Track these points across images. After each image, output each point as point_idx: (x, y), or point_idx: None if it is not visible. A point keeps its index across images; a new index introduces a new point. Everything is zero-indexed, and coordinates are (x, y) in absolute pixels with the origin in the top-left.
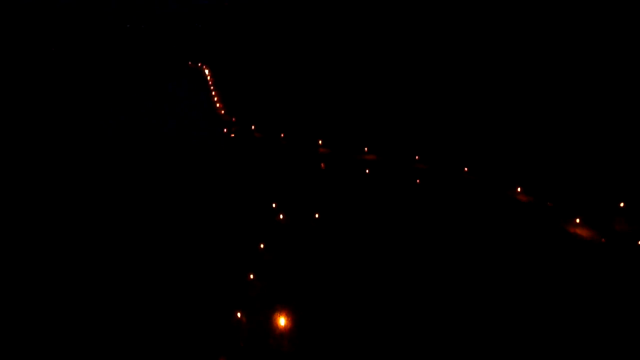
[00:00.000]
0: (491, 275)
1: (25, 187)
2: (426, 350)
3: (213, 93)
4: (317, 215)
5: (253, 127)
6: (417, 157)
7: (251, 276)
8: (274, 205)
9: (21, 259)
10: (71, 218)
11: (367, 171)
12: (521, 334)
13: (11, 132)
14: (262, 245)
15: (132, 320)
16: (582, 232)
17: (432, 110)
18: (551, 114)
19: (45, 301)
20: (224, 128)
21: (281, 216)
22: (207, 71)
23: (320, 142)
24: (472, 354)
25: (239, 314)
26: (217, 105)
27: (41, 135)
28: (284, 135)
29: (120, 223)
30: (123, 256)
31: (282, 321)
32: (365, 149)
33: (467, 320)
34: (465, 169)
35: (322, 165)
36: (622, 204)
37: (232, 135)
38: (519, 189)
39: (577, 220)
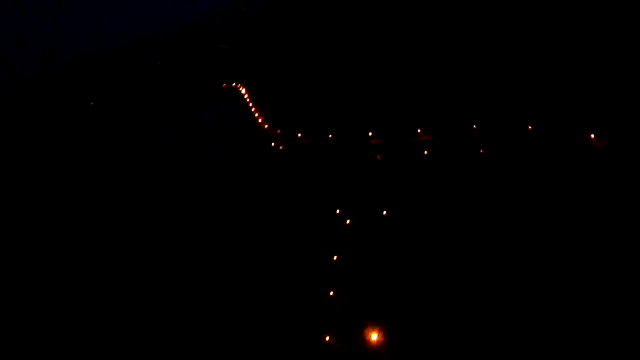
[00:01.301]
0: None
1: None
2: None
3: (253, 110)
4: (385, 213)
5: (299, 135)
6: (474, 127)
7: (331, 293)
8: (338, 211)
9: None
10: (141, 246)
11: (425, 153)
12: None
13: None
14: (335, 258)
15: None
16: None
17: (476, 76)
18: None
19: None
20: (272, 142)
21: (348, 221)
22: (243, 90)
23: (370, 134)
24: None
25: (327, 338)
26: (260, 120)
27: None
28: (331, 136)
29: (192, 250)
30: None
31: (374, 337)
32: (419, 130)
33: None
34: (530, 127)
35: (379, 157)
36: None
37: (282, 147)
38: (595, 137)
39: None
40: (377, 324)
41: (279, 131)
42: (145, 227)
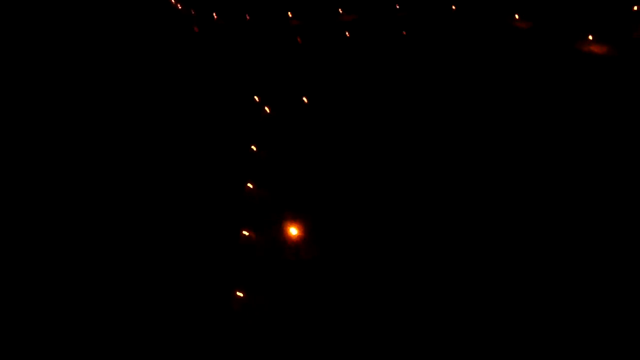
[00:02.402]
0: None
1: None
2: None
3: None
4: (305, 100)
5: (215, 15)
6: (397, 6)
7: (250, 185)
8: (256, 98)
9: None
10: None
11: (347, 34)
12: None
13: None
14: (254, 148)
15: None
16: (596, 48)
17: None
18: None
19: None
20: (185, 23)
21: (267, 109)
22: None
23: (290, 14)
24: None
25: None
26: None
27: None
28: (249, 17)
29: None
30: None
31: (293, 231)
32: (340, 10)
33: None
34: (453, 7)
35: (299, 39)
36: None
37: (196, 29)
38: (516, 16)
39: (590, 37)
40: (297, 217)
41: (193, 11)
42: None
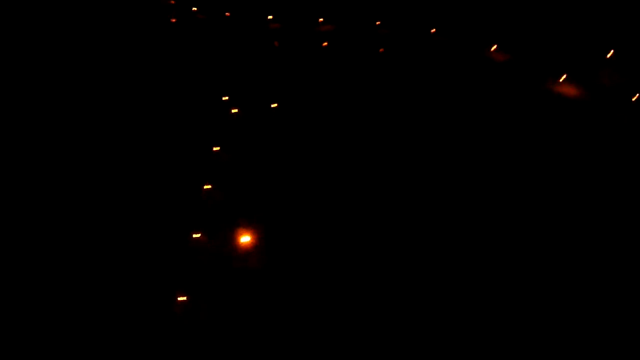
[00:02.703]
0: (477, 150)
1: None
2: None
3: None
4: (274, 105)
5: (195, 8)
6: (377, 23)
7: (206, 187)
8: (225, 98)
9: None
10: None
11: (324, 44)
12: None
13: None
14: (216, 148)
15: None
16: (568, 90)
17: None
18: None
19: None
20: (164, 13)
21: (234, 110)
22: None
23: (270, 17)
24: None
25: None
26: None
27: None
28: (229, 14)
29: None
30: None
31: (245, 239)
32: (320, 19)
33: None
34: (433, 30)
35: (276, 43)
36: (609, 54)
37: (173, 20)
38: (494, 47)
39: (563, 77)
40: (250, 224)
41: (172, 1)
42: None
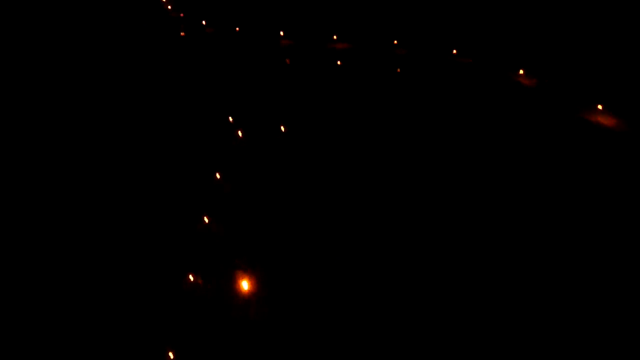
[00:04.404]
0: (495, 174)
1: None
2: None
3: None
4: (283, 129)
5: (204, 22)
6: (395, 42)
7: (206, 220)
8: (230, 119)
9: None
10: None
11: (338, 63)
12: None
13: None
14: (218, 175)
15: None
16: (604, 119)
17: None
18: None
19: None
20: (173, 25)
21: (240, 133)
22: None
23: (281, 33)
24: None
25: (191, 277)
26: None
27: None
28: (239, 29)
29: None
30: None
31: (245, 285)
32: (334, 37)
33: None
34: (454, 50)
35: (287, 60)
36: None
37: (182, 33)
38: (521, 71)
39: (599, 107)
40: (251, 267)
41: (182, 14)
42: None
